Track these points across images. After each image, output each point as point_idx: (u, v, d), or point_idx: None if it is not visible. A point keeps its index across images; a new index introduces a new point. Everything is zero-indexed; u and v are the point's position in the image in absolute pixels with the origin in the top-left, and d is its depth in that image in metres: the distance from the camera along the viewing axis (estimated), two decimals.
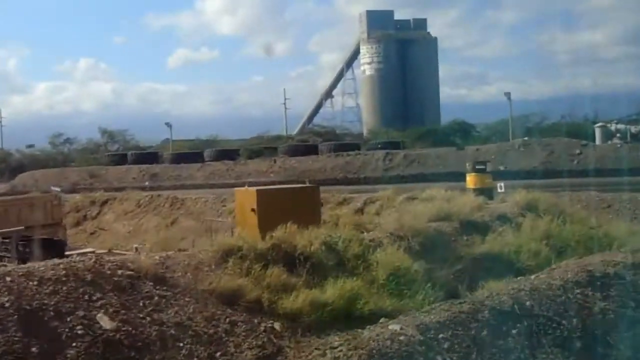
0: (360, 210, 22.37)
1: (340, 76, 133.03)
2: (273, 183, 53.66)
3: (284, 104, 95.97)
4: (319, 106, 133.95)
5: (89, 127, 75.01)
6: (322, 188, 44.43)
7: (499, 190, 21.86)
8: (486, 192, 20.46)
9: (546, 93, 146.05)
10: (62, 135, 73.34)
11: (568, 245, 15.61)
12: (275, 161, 52.11)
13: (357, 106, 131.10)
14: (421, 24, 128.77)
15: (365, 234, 14.49)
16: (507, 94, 56.94)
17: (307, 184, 20.86)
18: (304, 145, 59.72)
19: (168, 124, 68.56)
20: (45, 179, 51.88)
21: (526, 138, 49.16)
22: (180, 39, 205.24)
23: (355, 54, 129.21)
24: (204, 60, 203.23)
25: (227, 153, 56.58)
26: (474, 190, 20.64)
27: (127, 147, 74.82)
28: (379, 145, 54.63)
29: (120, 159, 59.18)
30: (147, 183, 50.82)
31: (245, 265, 11.62)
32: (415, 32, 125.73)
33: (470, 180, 21.34)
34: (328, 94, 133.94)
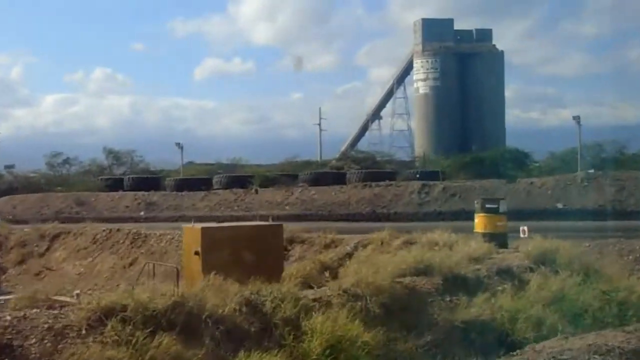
0: (349, 256, 20.58)
1: (390, 94, 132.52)
2: (287, 217, 52.43)
3: (319, 124, 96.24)
4: (364, 128, 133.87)
5: (101, 147, 75.88)
6: (340, 224, 42.60)
7: (522, 235, 19.82)
8: (498, 238, 18.44)
9: (631, 119, 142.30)
10: (60, 155, 72.75)
11: (585, 312, 13.44)
12: (292, 192, 50.36)
13: (408, 129, 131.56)
14: (485, 35, 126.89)
15: (311, 290, 12.55)
16: (576, 118, 57.42)
17: (271, 222, 19.42)
18: (332, 173, 58.48)
19: (179, 145, 67.79)
20: (24, 206, 51.22)
21: (592, 170, 49.57)
22: (209, 47, 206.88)
23: (408, 69, 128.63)
24: (236, 73, 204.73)
25: (240, 180, 55.23)
26: (484, 235, 18.63)
27: (135, 171, 73.18)
28: (417, 175, 54.76)
29: (116, 184, 58.20)
30: (142, 213, 49.85)
31: (127, 330, 10.14)
32: (478, 44, 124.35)
33: (479, 222, 19.36)
34: (375, 115, 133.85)
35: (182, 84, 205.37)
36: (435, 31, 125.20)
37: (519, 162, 59.23)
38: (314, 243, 23.17)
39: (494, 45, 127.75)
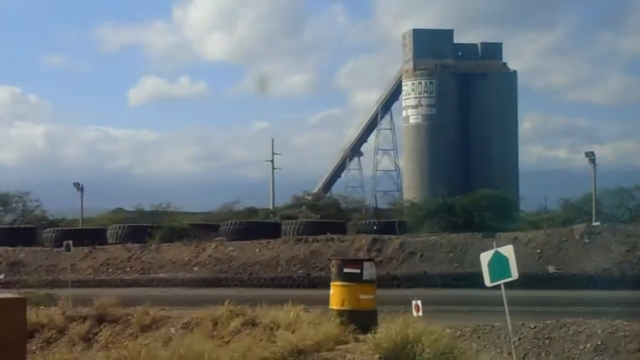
0: (167, 342, 17.68)
1: (373, 124, 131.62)
2: (193, 281, 49.63)
3: (271, 160, 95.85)
4: (341, 167, 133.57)
5: (7, 187, 74.19)
6: (261, 292, 40.65)
7: (415, 313, 17.20)
8: (362, 318, 15.62)
9: None
10: None
11: None
12: (204, 248, 47.98)
13: (396, 169, 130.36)
14: (494, 50, 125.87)
15: None
16: (590, 155, 60.29)
17: (11, 296, 16.58)
18: (266, 224, 58.69)
19: (77, 185, 65.91)
20: None
21: (597, 223, 50.31)
22: (148, 63, 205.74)
23: (396, 93, 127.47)
24: (182, 97, 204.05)
25: (139, 231, 52.93)
26: (339, 313, 15.82)
27: (27, 219, 73.97)
28: (375, 227, 55.36)
29: None
30: (1, 276, 47.17)
31: None
32: (485, 62, 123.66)
33: (335, 294, 16.45)
34: (355, 150, 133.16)
35: (113, 110, 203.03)
36: (430, 45, 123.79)
37: (503, 210, 59.23)
38: (130, 323, 20.32)
39: (505, 63, 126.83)
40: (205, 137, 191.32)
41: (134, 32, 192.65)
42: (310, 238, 51.75)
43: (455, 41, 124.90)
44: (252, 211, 74.47)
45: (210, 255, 49.61)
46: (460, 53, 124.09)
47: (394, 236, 51.37)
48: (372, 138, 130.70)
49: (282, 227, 56.74)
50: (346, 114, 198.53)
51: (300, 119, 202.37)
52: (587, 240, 46.65)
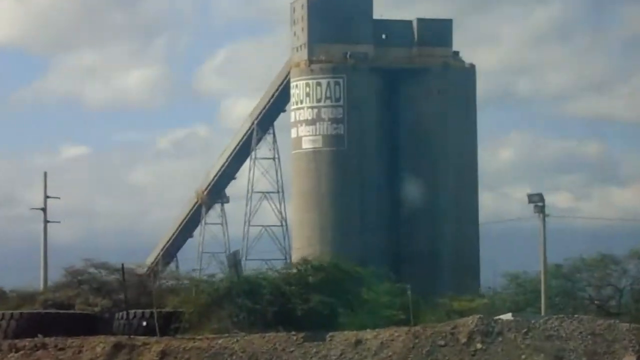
0: None
1: (244, 151, 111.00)
2: None
3: (43, 209, 73.53)
4: (193, 219, 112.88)
5: None
6: None
7: None
8: None
9: None
10: None
11: None
12: None
13: (282, 222, 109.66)
14: (440, 31, 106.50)
15: None
16: (535, 199, 52.54)
17: None
18: None
19: None
20: None
21: (508, 316, 46.42)
22: None
23: (281, 100, 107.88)
24: None
25: None
26: None
27: None
28: (145, 323, 50.36)
29: None
30: None
31: None
32: (425, 50, 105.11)
33: None
34: (215, 194, 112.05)
35: None
36: (336, 22, 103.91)
37: (345, 292, 52.35)
38: None
39: (457, 53, 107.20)
40: None
41: None
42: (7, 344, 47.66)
43: (376, 16, 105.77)
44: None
45: None
46: (384, 36, 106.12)
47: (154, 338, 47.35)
48: (243, 172, 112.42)
49: None
50: (215, 133, 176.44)
51: (137, 142, 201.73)
52: (479, 346, 41.21)
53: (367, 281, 60.90)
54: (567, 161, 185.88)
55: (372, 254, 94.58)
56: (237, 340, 45.72)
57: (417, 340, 42.83)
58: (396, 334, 43.41)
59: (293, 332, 45.81)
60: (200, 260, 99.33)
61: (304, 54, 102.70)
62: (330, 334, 42.97)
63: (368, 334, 44.13)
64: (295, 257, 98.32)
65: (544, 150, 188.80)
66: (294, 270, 56.65)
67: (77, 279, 68.19)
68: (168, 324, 50.24)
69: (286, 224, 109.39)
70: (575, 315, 46.01)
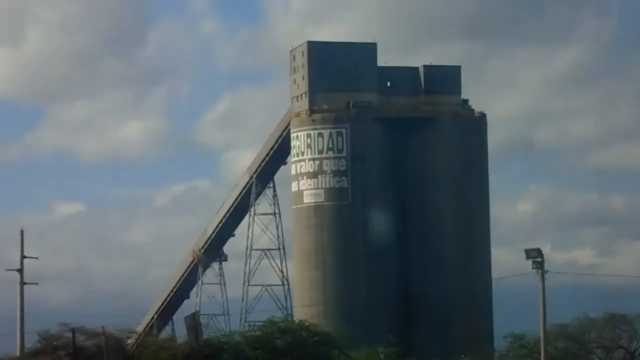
0: None
1: (243, 206, 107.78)
2: None
3: (19, 269, 67.82)
4: (190, 279, 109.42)
5: None
6: None
7: None
8: None
9: None
10: None
11: None
12: None
13: (283, 281, 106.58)
14: (448, 78, 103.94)
15: None
16: (533, 255, 50.08)
17: None
18: None
19: None
20: None
21: None
22: None
23: (281, 152, 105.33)
24: None
25: None
26: None
27: None
28: None
29: None
30: None
31: None
32: (433, 99, 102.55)
33: None
34: (213, 252, 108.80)
35: None
36: (338, 69, 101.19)
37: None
38: None
39: (466, 101, 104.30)
40: None
41: None
42: None
43: (380, 62, 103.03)
44: None
45: None
46: (389, 83, 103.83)
47: None
48: (242, 229, 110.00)
49: None
50: (216, 188, 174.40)
51: (134, 199, 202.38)
52: None
53: (341, 344, 59.50)
54: (589, 215, 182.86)
55: (380, 315, 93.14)
56: None
57: None
58: None
59: None
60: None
61: (304, 104, 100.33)
62: None
63: None
64: (298, 318, 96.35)
65: (564, 204, 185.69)
66: (259, 333, 55.46)
67: (52, 345, 68.85)
68: None
69: (288, 283, 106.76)
70: None
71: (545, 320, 52.05)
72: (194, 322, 55.93)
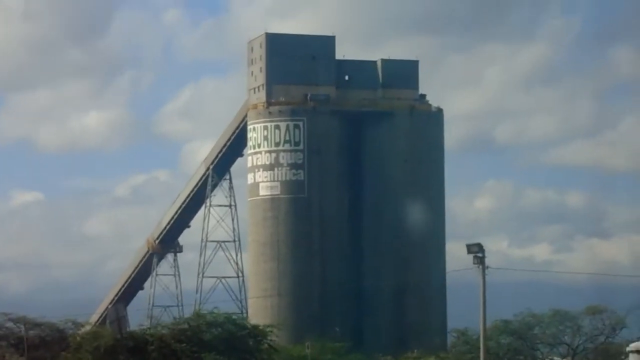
0: None
1: (199, 197, 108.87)
2: None
3: None
4: (144, 271, 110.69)
5: None
6: None
7: None
8: None
9: None
10: None
11: None
12: None
13: (238, 273, 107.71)
14: (405, 73, 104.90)
15: None
16: (475, 251, 48.71)
17: None
18: None
19: None
20: None
21: None
22: None
23: (238, 144, 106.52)
24: None
25: None
26: None
27: None
28: None
29: None
30: None
31: None
32: (390, 93, 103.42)
33: None
34: (167, 243, 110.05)
35: None
36: (295, 62, 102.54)
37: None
38: None
39: (423, 96, 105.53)
40: None
41: None
42: None
43: (339, 56, 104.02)
44: None
45: None
46: (347, 77, 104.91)
47: None
48: (198, 221, 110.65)
49: None
50: (176, 179, 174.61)
51: (92, 188, 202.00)
52: None
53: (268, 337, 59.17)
54: (547, 212, 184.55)
55: (333, 307, 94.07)
56: None
57: None
58: None
59: None
60: (151, 314, 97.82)
61: (262, 95, 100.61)
62: None
63: None
64: (252, 310, 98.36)
65: (522, 200, 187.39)
66: (186, 326, 55.06)
67: None
68: None
69: (242, 275, 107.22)
70: None
71: (485, 316, 51.61)
72: (117, 314, 54.79)
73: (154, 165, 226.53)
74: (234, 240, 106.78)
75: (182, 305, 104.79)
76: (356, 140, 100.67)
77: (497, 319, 62.34)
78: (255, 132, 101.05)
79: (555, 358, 62.24)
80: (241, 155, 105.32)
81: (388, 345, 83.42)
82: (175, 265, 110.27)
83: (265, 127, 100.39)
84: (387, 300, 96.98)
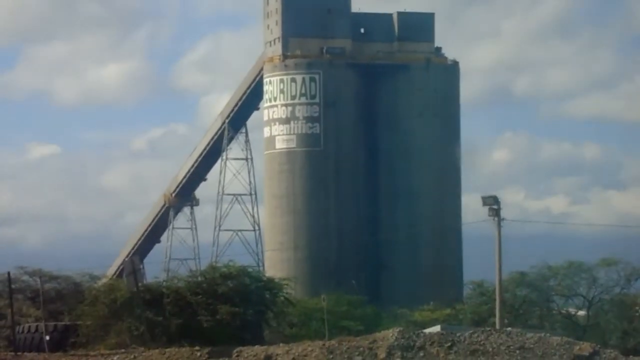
0: None
1: (215, 151, 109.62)
2: None
3: None
4: (161, 224, 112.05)
5: None
6: None
7: None
8: None
9: None
10: None
11: None
12: None
13: (254, 227, 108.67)
14: (421, 26, 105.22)
15: None
16: (490, 201, 51.54)
17: None
18: None
19: None
20: None
21: (436, 328, 48.06)
22: None
23: (253, 97, 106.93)
24: None
25: None
26: None
27: None
28: (48, 337, 50.44)
29: None
30: None
31: None
32: (405, 46, 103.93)
33: None
34: (183, 195, 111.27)
35: None
36: (311, 16, 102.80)
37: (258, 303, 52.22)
38: None
39: (439, 49, 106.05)
40: None
41: None
42: None
43: (354, 9, 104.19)
44: None
45: None
46: (363, 30, 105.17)
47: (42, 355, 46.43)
48: (214, 174, 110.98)
49: None
50: (196, 132, 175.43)
51: (109, 141, 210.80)
52: None
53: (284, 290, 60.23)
54: (565, 164, 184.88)
55: (349, 260, 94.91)
56: (134, 357, 44.44)
57: (331, 356, 41.90)
58: (309, 349, 42.25)
59: (197, 347, 44.78)
60: (167, 267, 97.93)
61: (277, 49, 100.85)
62: (238, 349, 41.23)
63: (279, 349, 43.14)
64: (269, 263, 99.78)
65: (539, 152, 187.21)
66: (201, 279, 54.86)
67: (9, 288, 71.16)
68: (67, 338, 48.97)
69: (259, 228, 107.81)
70: (508, 329, 45.61)
71: (501, 268, 53.43)
72: (132, 267, 55.10)
73: (171, 118, 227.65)
74: (251, 194, 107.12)
75: (199, 259, 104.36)
76: (372, 94, 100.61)
77: (513, 271, 63.17)
78: (271, 86, 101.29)
79: (570, 309, 62.50)
80: (257, 108, 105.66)
81: (404, 298, 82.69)
82: (192, 219, 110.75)
83: (281, 81, 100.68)
84: (403, 252, 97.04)
